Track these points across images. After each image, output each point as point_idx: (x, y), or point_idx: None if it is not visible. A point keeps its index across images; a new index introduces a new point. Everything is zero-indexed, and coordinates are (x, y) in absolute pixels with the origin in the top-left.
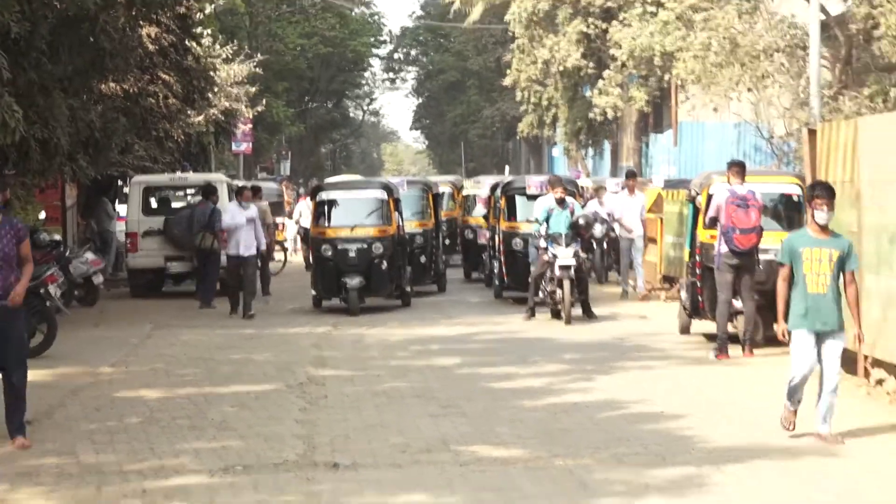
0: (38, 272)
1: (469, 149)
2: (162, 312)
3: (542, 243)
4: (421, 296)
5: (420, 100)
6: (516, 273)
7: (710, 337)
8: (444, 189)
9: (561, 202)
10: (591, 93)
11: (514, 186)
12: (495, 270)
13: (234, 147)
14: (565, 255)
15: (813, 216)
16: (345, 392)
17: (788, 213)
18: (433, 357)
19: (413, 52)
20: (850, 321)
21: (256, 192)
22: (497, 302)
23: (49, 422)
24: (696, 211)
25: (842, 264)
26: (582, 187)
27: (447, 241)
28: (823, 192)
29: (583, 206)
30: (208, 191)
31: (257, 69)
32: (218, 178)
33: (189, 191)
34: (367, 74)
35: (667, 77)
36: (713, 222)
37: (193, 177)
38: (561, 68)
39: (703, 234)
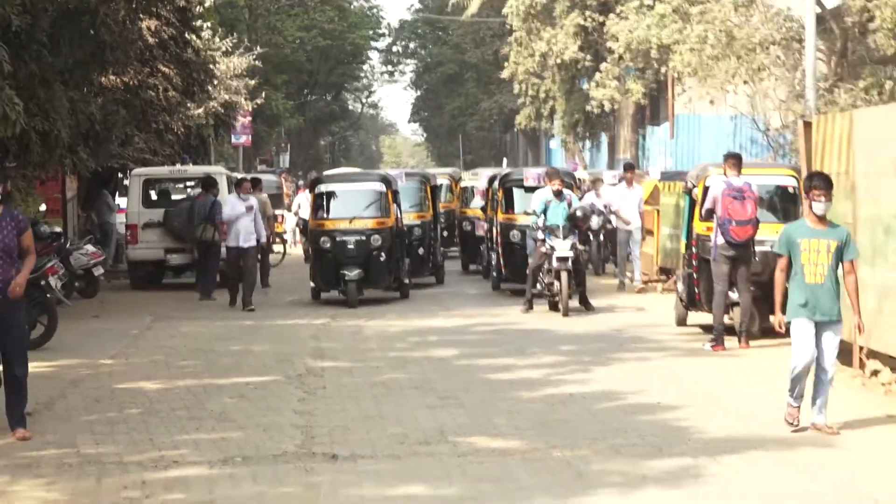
0: (38, 264)
1: (467, 141)
2: (162, 304)
3: (540, 235)
4: (419, 288)
5: (418, 92)
6: (514, 265)
7: (707, 328)
8: (442, 181)
9: (558, 194)
10: (588, 85)
11: (511, 178)
12: (493, 262)
13: (233, 139)
14: (563, 247)
15: (811, 207)
16: (343, 383)
17: (784, 204)
18: (431, 348)
19: (411, 45)
20: (848, 311)
21: (256, 185)
22: (495, 294)
23: (49, 413)
24: (692, 203)
25: (840, 254)
26: (579, 179)
27: (445, 233)
28: (821, 182)
29: (580, 199)
30: (209, 183)
31: (256, 62)
32: (217, 170)
33: (189, 183)
34: (365, 67)
35: (663, 70)
36: (710, 214)
37: (193, 169)
38: (558, 61)
39: (699, 226)
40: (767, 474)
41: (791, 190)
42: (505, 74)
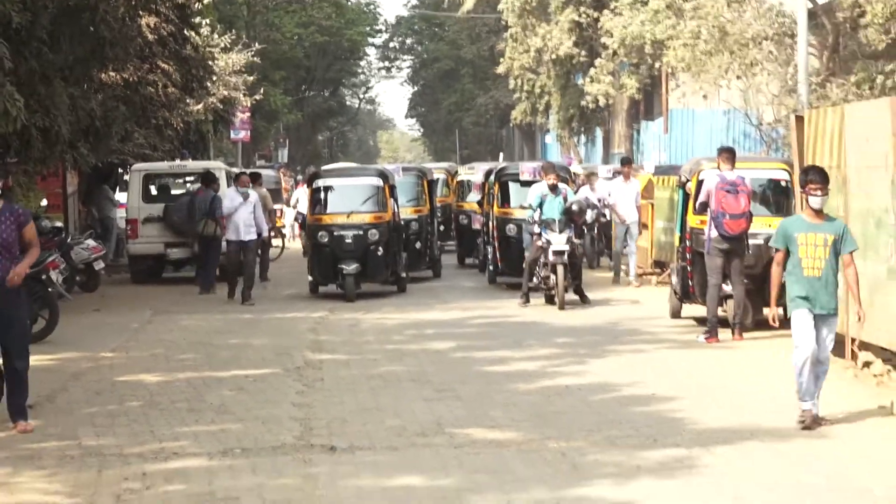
0: (39, 258)
1: (463, 136)
2: (162, 298)
3: (536, 229)
4: (416, 281)
5: (415, 88)
6: (510, 259)
7: (701, 321)
8: (439, 176)
9: (554, 188)
10: (583, 81)
11: (507, 173)
12: (489, 256)
13: (232, 135)
14: (559, 241)
15: (807, 201)
16: (341, 376)
17: (777, 198)
18: (428, 341)
19: (408, 41)
20: (844, 303)
21: (256, 179)
22: (491, 287)
23: (51, 406)
24: (686, 196)
25: (837, 248)
26: (574, 174)
27: (441, 228)
28: (817, 176)
29: (574, 193)
30: (209, 178)
31: (255, 58)
32: (217, 165)
33: (188, 178)
34: (362, 63)
35: (657, 65)
36: (703, 208)
37: (192, 164)
38: (553, 57)
39: (692, 220)
40: (761, 465)
41: (784, 183)
42: (500, 70)
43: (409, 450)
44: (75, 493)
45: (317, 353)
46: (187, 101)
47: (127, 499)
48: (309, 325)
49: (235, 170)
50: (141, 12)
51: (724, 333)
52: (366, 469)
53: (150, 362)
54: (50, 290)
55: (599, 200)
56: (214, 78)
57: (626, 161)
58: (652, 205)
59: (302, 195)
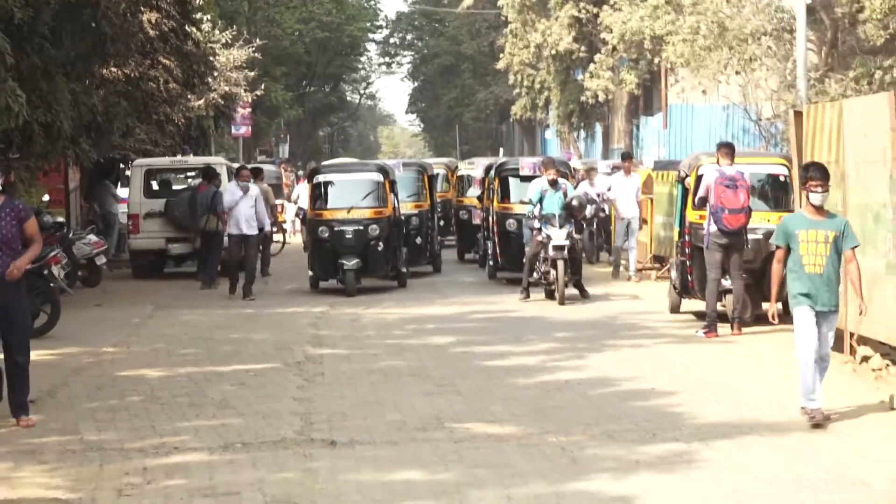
0: (41, 253)
1: (464, 131)
2: (163, 293)
3: (536, 224)
4: (416, 276)
5: (415, 83)
6: (510, 254)
7: (700, 315)
8: (439, 171)
9: (554, 184)
10: (582, 76)
11: (507, 168)
12: (489, 251)
13: (233, 130)
14: (559, 236)
15: (808, 198)
16: (342, 370)
17: (776, 193)
18: (428, 336)
19: (408, 37)
20: (841, 298)
21: (258, 174)
22: (491, 282)
23: (52, 401)
24: (685, 192)
25: (838, 244)
26: (573, 169)
27: (441, 223)
28: (818, 173)
29: (574, 188)
30: (210, 174)
31: (256, 54)
32: (217, 161)
33: (189, 173)
34: (363, 59)
35: (657, 60)
36: (702, 202)
37: (193, 160)
38: (553, 52)
39: (691, 215)
40: (760, 459)
41: (782, 178)
42: (500, 65)
43: (409, 444)
44: (76, 488)
45: (317, 348)
46: (188, 96)
47: (128, 493)
48: (309, 320)
49: (236, 165)
50: (142, 8)
51: (723, 328)
52: (366, 463)
53: (152, 357)
54: (52, 284)
55: (598, 195)
56: (215, 74)
57: (627, 156)
58: (651, 200)
59: (303, 191)
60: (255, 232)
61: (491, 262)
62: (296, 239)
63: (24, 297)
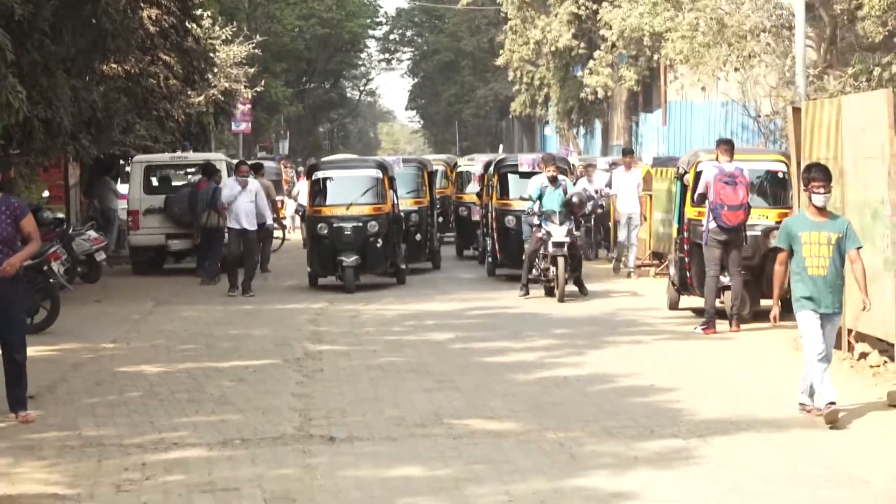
0: (41, 249)
1: (463, 128)
2: (163, 289)
3: (536, 220)
4: (416, 273)
5: (415, 80)
6: (509, 250)
7: (699, 312)
8: (438, 167)
9: (553, 180)
10: (582, 73)
11: (506, 164)
12: (488, 248)
13: (233, 127)
14: (559, 233)
15: (811, 199)
16: (341, 367)
17: (774, 190)
18: (427, 332)
19: (408, 34)
20: (848, 297)
21: (259, 170)
22: (490, 279)
23: (51, 396)
24: (683, 188)
25: (841, 246)
26: (572, 165)
27: (440, 219)
28: (820, 174)
29: (574, 184)
30: (210, 170)
31: (256, 50)
32: (217, 157)
33: (189, 170)
34: (363, 55)
35: (656, 57)
36: (702, 199)
37: (193, 156)
38: (553, 49)
39: (690, 211)
40: (758, 455)
41: (781, 175)
42: (500, 62)
43: (408, 440)
44: (75, 484)
45: (316, 344)
46: (188, 92)
47: (127, 489)
48: (309, 317)
49: (236, 161)
50: (142, 4)
51: (721, 325)
52: (365, 459)
53: (151, 353)
54: (51, 280)
55: (597, 192)
56: (216, 70)
57: (628, 151)
58: (650, 196)
59: (303, 187)
60: (255, 227)
61: (490, 259)
62: (295, 235)
63: (20, 295)
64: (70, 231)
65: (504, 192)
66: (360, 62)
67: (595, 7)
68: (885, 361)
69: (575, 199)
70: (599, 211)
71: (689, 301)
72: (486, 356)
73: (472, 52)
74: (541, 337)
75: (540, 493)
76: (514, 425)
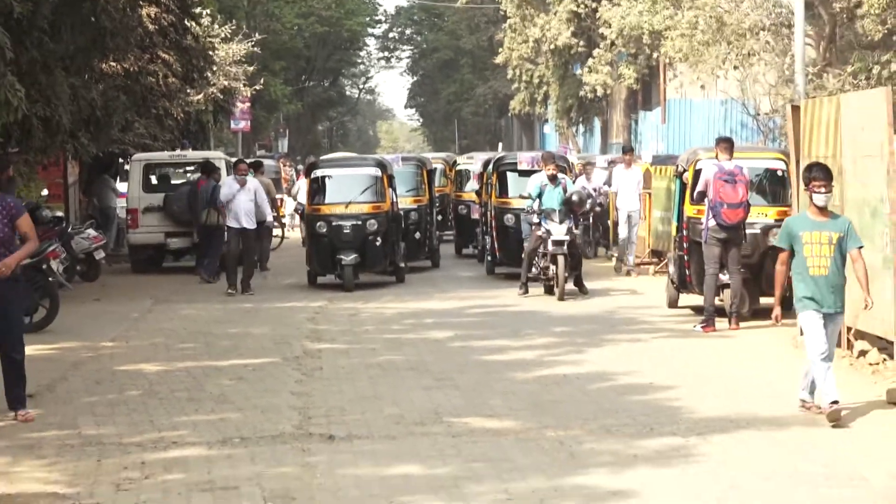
0: (40, 248)
1: (463, 126)
2: (162, 287)
3: (535, 219)
4: (415, 271)
5: (414, 78)
6: (508, 249)
7: (698, 310)
8: (437, 165)
9: (553, 179)
10: (581, 71)
11: (505, 162)
12: (487, 246)
13: (232, 125)
14: (559, 232)
15: (811, 199)
16: (340, 365)
17: (773, 188)
18: (427, 330)
19: (407, 32)
20: (849, 294)
21: (258, 168)
22: (489, 277)
23: (51, 395)
24: (682, 186)
25: (842, 245)
26: (570, 163)
27: (439, 217)
28: (821, 173)
29: (573, 182)
30: (209, 168)
31: (255, 48)
32: (217, 155)
33: (188, 168)
34: (362, 53)
35: (655, 55)
36: (701, 197)
37: (193, 154)
38: (552, 47)
39: (690, 209)
40: (758, 453)
41: (780, 173)
42: (499, 60)
43: (408, 438)
44: (75, 483)
45: (316, 343)
46: (188, 91)
47: (126, 488)
48: (308, 315)
49: (234, 159)
50: (141, 2)
51: (720, 322)
52: (364, 458)
53: (150, 352)
54: (50, 279)
55: (595, 190)
56: (215, 68)
57: (628, 149)
58: (649, 194)
59: (303, 185)
60: (254, 226)
61: (489, 257)
62: (294, 234)
63: (17, 295)
64: (69, 229)
65: (503, 190)
66: (360, 60)
67: (594, 5)
68: (885, 359)
69: (575, 198)
70: (598, 209)
71: (688, 299)
72: (486, 354)
73: (472, 50)
74: (540, 335)
75: (539, 492)
76: (513, 423)
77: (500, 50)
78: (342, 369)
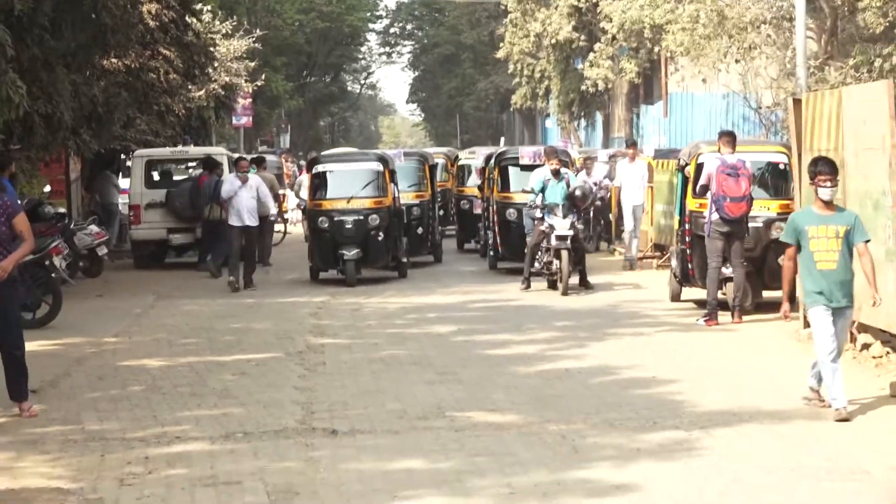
0: (43, 244)
1: (464, 121)
2: (164, 283)
3: (538, 213)
4: (417, 266)
5: (416, 73)
6: (510, 244)
7: (700, 304)
8: (438, 160)
9: (556, 173)
10: (582, 65)
11: (507, 157)
12: (490, 241)
13: (234, 121)
14: (562, 226)
15: (817, 193)
16: (343, 360)
17: (775, 181)
18: (429, 325)
19: (408, 27)
20: (858, 290)
21: (261, 163)
22: (492, 272)
23: (54, 391)
24: (685, 180)
25: (849, 239)
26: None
27: (441, 212)
28: (826, 167)
29: (575, 177)
30: (211, 164)
31: (256, 44)
32: (218, 151)
33: (190, 164)
34: (363, 49)
35: (656, 49)
36: (704, 191)
37: (194, 150)
38: (553, 41)
39: (692, 203)
40: (761, 447)
41: (782, 167)
42: (500, 55)
43: (410, 433)
44: (78, 478)
45: (318, 338)
46: (189, 87)
47: (130, 483)
48: (310, 310)
49: (236, 155)
50: None
51: (723, 316)
52: (367, 452)
53: (153, 347)
54: (53, 275)
55: (596, 184)
56: (216, 64)
57: (631, 143)
58: (652, 188)
59: (305, 181)
60: (257, 223)
61: (491, 252)
62: (297, 229)
63: (15, 296)
64: (71, 226)
65: (505, 185)
66: (361, 56)
67: (595, 0)
68: (888, 352)
69: (578, 193)
70: (598, 203)
71: (691, 293)
72: (488, 349)
73: (473, 45)
74: (542, 329)
75: (542, 486)
76: (516, 418)
77: (501, 45)
78: (345, 364)
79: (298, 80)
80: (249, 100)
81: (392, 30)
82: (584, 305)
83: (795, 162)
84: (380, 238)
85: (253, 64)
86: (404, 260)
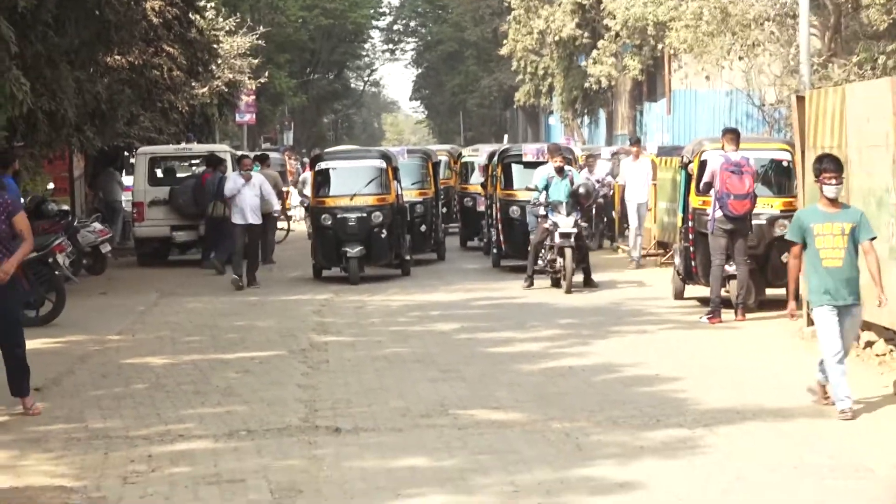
0: (46, 241)
1: (468, 118)
2: (168, 281)
3: (542, 211)
4: (420, 264)
5: (419, 70)
6: (514, 241)
7: (704, 301)
8: (441, 158)
9: (560, 171)
10: (586, 62)
11: (510, 154)
12: (493, 239)
13: (237, 118)
14: (566, 224)
15: (822, 190)
16: (346, 357)
17: (779, 178)
18: (433, 323)
19: (412, 24)
20: (864, 290)
21: (264, 160)
22: (495, 270)
23: (57, 389)
24: (688, 177)
25: (855, 236)
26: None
27: (444, 210)
28: (831, 165)
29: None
30: (215, 161)
31: (260, 41)
32: (222, 148)
33: (194, 161)
34: (367, 46)
35: (660, 46)
36: (707, 188)
37: (198, 147)
38: (556, 38)
39: (695, 200)
40: (764, 445)
41: (785, 164)
42: (504, 52)
43: (414, 431)
44: (81, 476)
45: (322, 335)
46: (192, 84)
47: (133, 481)
48: (314, 308)
49: (240, 153)
50: None
51: (727, 314)
52: (370, 450)
53: (156, 345)
54: (56, 273)
55: (598, 181)
56: (219, 61)
57: (636, 141)
58: (655, 185)
59: (308, 178)
60: (260, 221)
61: (495, 250)
62: (300, 226)
63: (15, 296)
64: (75, 223)
65: (508, 182)
66: (364, 53)
67: None
68: (891, 350)
69: (582, 190)
70: (601, 201)
71: (694, 290)
72: (491, 346)
73: (476, 42)
74: (546, 327)
75: (545, 484)
76: (519, 415)
77: (505, 42)
78: (348, 362)
79: (302, 78)
80: (253, 97)
81: (395, 27)
82: (587, 303)
83: (799, 159)
84: (383, 235)
85: (256, 61)
86: (407, 257)
